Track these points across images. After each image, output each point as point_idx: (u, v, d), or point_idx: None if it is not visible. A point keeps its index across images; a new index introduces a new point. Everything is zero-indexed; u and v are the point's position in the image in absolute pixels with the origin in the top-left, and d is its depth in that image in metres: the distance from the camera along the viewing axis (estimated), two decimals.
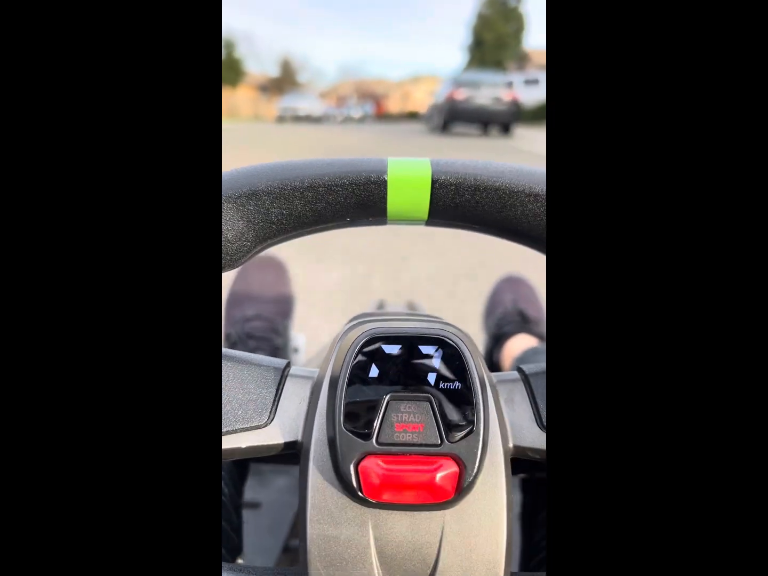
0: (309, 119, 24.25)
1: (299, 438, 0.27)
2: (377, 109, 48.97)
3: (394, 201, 0.28)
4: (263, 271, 0.92)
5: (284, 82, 44.21)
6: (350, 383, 0.25)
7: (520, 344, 0.76)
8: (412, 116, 51.77)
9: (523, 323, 0.81)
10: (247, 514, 0.56)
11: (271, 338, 0.79)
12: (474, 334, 0.30)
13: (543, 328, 0.82)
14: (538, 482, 0.51)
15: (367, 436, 0.24)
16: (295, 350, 0.91)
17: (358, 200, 0.28)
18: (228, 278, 0.61)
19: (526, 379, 0.29)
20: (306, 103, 24.73)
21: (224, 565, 0.26)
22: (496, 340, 0.82)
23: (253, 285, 0.89)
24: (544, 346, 0.73)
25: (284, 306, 0.88)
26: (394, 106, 59.00)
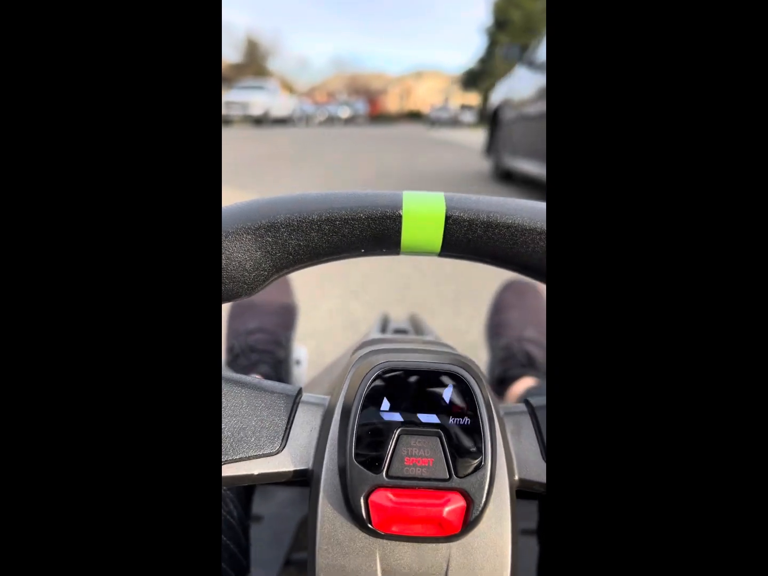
0: (267, 120, 15.45)
1: (310, 466, 0.28)
2: (372, 107, 39.94)
3: (408, 235, 0.29)
4: None
5: (249, 69, 35.14)
6: (362, 415, 0.26)
7: (524, 387, 0.76)
8: (414, 116, 42.99)
9: (529, 367, 0.79)
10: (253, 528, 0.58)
11: (273, 351, 0.79)
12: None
13: None
14: None
15: (377, 469, 0.25)
16: (297, 362, 0.89)
17: (373, 233, 0.29)
18: None
19: (532, 411, 0.30)
20: (263, 97, 16.02)
21: None
22: (501, 381, 0.81)
23: (256, 297, 0.87)
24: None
25: (287, 318, 0.88)
26: (392, 104, 49.66)
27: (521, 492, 0.28)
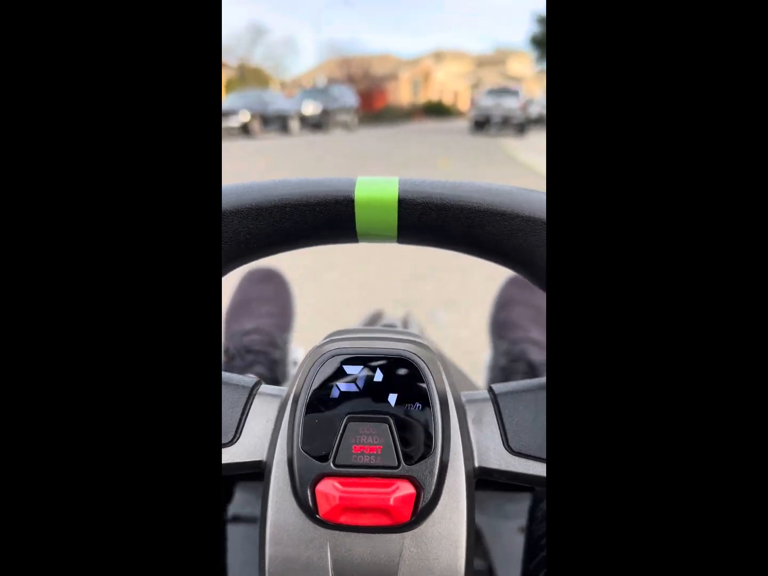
0: None
1: (264, 458, 0.27)
2: (374, 98, 27.80)
3: (362, 220, 0.29)
4: (262, 285, 0.93)
5: None
6: (310, 404, 0.26)
7: None
8: (434, 111, 30.06)
9: (529, 374, 0.82)
10: (244, 529, 0.58)
11: (268, 352, 0.80)
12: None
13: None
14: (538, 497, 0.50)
15: (324, 458, 0.25)
16: (295, 363, 0.89)
17: (326, 220, 0.29)
18: (226, 292, 0.55)
19: (494, 398, 0.29)
20: None
21: None
22: None
23: (252, 298, 0.90)
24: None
25: (284, 319, 0.89)
26: (404, 94, 36.59)
27: (513, 486, 0.27)
